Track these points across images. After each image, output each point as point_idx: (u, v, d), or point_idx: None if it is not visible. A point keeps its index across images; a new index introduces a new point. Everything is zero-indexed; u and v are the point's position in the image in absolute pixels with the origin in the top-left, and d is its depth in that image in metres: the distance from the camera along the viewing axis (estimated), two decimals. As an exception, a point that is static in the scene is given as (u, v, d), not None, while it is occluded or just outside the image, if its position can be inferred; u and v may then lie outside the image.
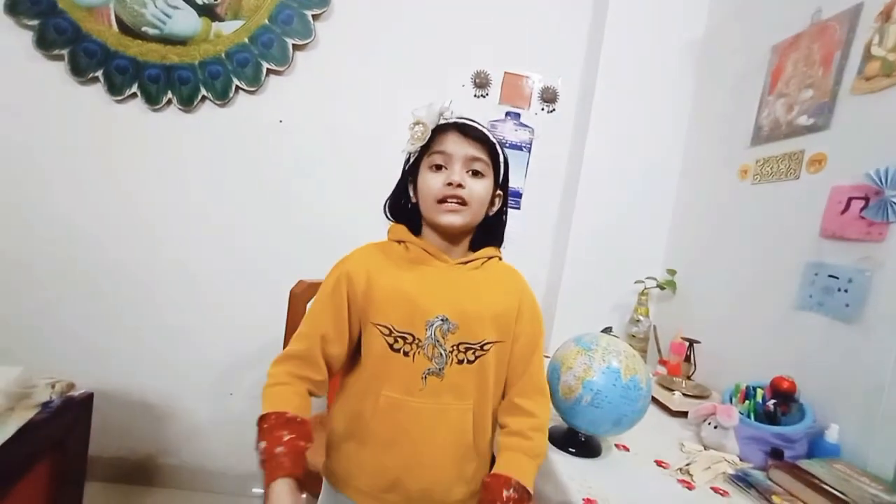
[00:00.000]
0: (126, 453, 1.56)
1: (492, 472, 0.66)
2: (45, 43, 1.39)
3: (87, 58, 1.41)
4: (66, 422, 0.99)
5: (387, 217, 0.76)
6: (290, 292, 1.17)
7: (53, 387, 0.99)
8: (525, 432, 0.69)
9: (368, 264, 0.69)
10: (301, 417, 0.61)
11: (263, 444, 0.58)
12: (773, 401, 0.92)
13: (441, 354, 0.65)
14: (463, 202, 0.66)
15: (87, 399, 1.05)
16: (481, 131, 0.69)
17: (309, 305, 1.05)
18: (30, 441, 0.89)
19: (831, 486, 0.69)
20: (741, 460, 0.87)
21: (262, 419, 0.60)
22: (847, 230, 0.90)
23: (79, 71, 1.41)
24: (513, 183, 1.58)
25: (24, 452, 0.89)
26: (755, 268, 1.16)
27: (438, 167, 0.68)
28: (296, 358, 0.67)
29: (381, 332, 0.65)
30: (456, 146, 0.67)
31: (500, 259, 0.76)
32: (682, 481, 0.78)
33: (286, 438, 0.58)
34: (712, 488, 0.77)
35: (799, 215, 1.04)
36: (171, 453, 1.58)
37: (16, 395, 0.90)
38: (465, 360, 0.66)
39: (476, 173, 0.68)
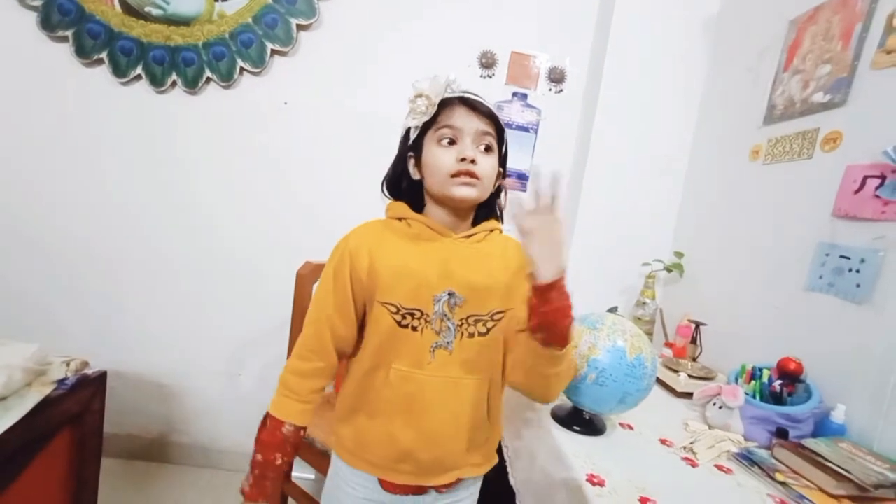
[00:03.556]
0: (140, 431, 1.60)
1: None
2: (49, 24, 1.39)
3: (92, 39, 1.41)
4: (81, 398, 1.01)
5: (384, 194, 0.75)
6: (297, 273, 1.18)
7: (68, 365, 1.01)
8: None
9: (369, 242, 0.68)
10: (295, 431, 0.68)
11: (259, 457, 0.67)
12: (779, 381, 0.92)
13: (449, 328, 0.65)
14: (476, 177, 0.65)
15: (101, 377, 1.07)
16: (488, 106, 0.67)
17: (315, 287, 1.05)
18: (48, 416, 0.91)
19: (835, 464, 0.69)
20: (746, 440, 0.87)
21: (267, 425, 0.68)
22: (861, 209, 0.88)
23: (84, 52, 1.41)
24: (519, 165, 1.59)
25: (42, 426, 0.92)
26: (764, 249, 1.15)
27: (448, 142, 0.66)
28: (306, 350, 0.69)
29: (388, 310, 0.65)
30: (465, 121, 0.65)
31: (501, 231, 0.76)
32: (686, 459, 0.78)
33: (278, 462, 0.67)
34: (716, 466, 0.77)
35: (811, 195, 1.02)
36: (182, 431, 1.63)
37: (33, 372, 0.92)
38: (477, 333, 0.67)
39: (487, 149, 0.67)
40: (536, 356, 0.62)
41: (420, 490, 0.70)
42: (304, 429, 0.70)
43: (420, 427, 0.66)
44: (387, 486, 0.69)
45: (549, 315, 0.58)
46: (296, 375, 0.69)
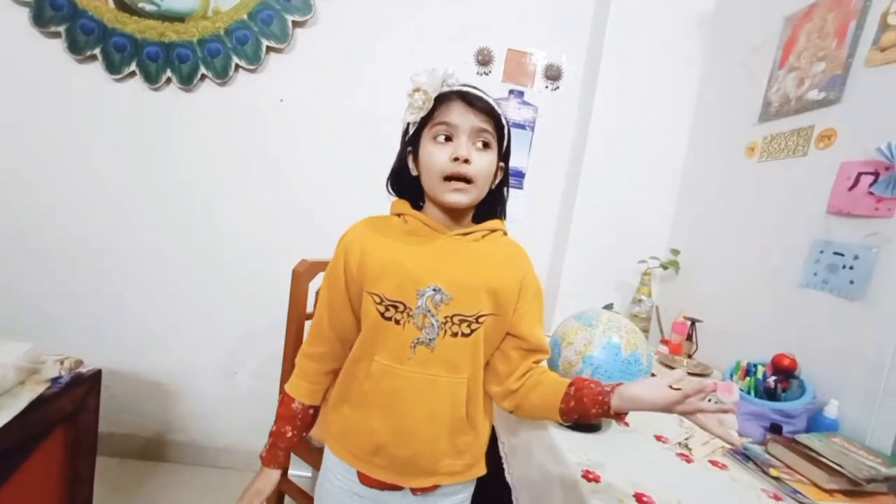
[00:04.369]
0: (136, 430, 1.60)
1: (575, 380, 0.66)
2: (41, 19, 1.37)
3: (85, 35, 1.39)
4: (76, 396, 1.01)
5: (389, 192, 0.74)
6: (293, 271, 1.17)
7: (62, 363, 1.01)
8: (546, 372, 0.71)
9: (364, 237, 0.69)
10: (304, 408, 0.74)
11: (274, 428, 0.74)
12: (773, 377, 0.92)
13: (432, 325, 0.64)
14: (469, 180, 0.64)
15: (96, 375, 1.07)
16: (487, 101, 0.66)
17: (311, 284, 1.05)
18: (41, 414, 0.91)
19: (828, 459, 0.70)
20: (740, 436, 0.87)
21: (282, 399, 0.75)
22: (855, 206, 0.89)
23: (77, 49, 1.40)
24: (516, 162, 1.59)
25: (36, 425, 0.91)
26: (760, 246, 1.15)
27: (444, 139, 0.64)
28: (311, 335, 0.74)
29: (373, 300, 0.65)
30: (462, 117, 0.64)
31: (505, 234, 0.74)
32: (681, 455, 0.79)
33: (288, 434, 0.73)
34: (710, 462, 0.78)
35: (806, 192, 1.02)
36: (179, 430, 1.62)
37: (26, 370, 0.92)
38: (460, 333, 0.65)
39: (485, 145, 0.66)
40: (547, 415, 0.68)
41: (396, 488, 0.69)
42: (315, 409, 0.75)
43: (396, 422, 0.65)
44: (364, 480, 0.69)
45: (595, 420, 0.66)
46: (303, 357, 0.74)
